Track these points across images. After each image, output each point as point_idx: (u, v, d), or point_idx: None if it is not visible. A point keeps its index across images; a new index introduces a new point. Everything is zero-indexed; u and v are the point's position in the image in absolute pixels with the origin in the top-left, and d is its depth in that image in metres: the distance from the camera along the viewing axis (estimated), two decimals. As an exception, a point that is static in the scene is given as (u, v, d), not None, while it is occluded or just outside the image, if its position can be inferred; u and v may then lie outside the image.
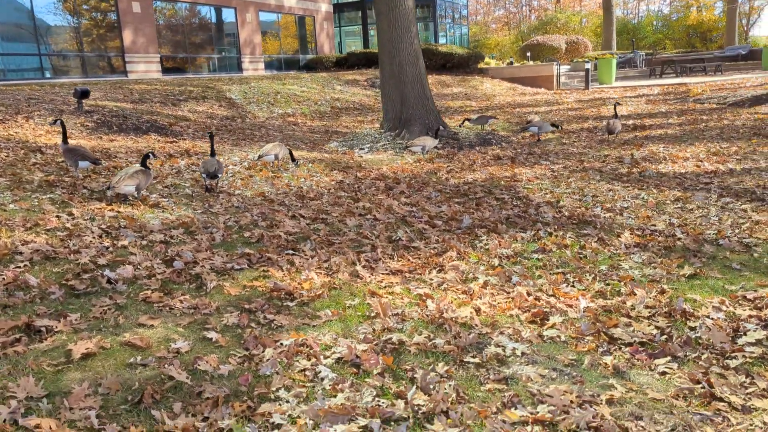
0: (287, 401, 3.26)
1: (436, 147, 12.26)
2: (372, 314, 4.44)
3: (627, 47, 48.64)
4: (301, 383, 3.45)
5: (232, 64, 27.94)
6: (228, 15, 27.65)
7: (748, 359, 3.72)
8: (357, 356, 3.73)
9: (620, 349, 3.95)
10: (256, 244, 5.95)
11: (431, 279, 5.23)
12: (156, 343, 3.83)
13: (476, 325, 4.26)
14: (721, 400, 3.29)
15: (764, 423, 3.09)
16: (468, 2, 48.81)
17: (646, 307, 4.54)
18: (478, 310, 4.53)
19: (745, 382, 3.48)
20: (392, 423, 3.10)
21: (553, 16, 58.23)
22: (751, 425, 3.07)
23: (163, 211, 6.76)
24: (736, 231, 6.46)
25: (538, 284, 5.11)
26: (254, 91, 19.15)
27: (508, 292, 4.93)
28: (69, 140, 7.98)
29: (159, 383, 3.34)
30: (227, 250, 5.68)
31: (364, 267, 5.46)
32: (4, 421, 2.91)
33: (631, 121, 15.92)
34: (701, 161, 10.43)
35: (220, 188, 8.00)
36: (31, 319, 3.91)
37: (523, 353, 3.87)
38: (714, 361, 3.72)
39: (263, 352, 3.78)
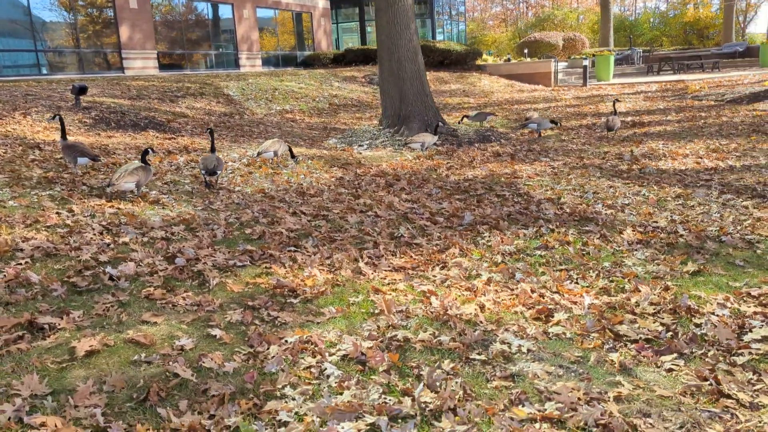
0: (293, 399, 3.24)
1: (435, 144, 12.24)
2: (376, 311, 4.42)
3: (624, 44, 48.64)
4: (306, 380, 3.43)
5: (230, 61, 27.87)
6: (225, 11, 27.57)
7: (754, 356, 3.71)
8: (362, 353, 3.71)
9: (626, 346, 3.94)
10: (258, 241, 5.92)
11: (434, 276, 5.21)
12: (160, 340, 3.80)
13: (481, 322, 4.24)
14: (728, 397, 3.28)
15: (773, 420, 3.08)
16: (465, -1, 48.77)
17: (651, 303, 4.53)
18: (482, 307, 4.51)
19: (752, 378, 3.47)
20: (399, 420, 3.09)
21: (551, 13, 58.23)
22: (759, 422, 3.06)
23: (163, 208, 6.72)
24: (738, 228, 6.46)
25: (541, 281, 5.10)
26: (252, 87, 19.11)
27: (512, 289, 4.91)
28: (67, 137, 7.93)
29: (164, 381, 3.32)
30: (229, 247, 5.65)
31: (366, 264, 5.44)
32: (9, 419, 2.88)
33: (629, 118, 15.91)
34: (701, 158, 10.42)
35: (219, 185, 7.97)
36: (34, 317, 3.88)
37: (528, 350, 3.85)
38: (720, 358, 3.71)
39: (268, 349, 3.76)
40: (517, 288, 4.91)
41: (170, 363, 3.48)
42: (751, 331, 4.02)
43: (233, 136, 12.25)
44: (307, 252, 5.68)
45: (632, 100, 19.88)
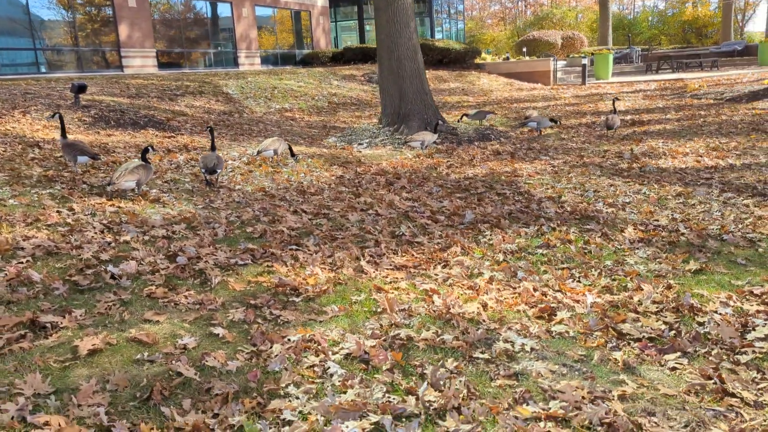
0: (297, 397, 3.23)
1: (435, 142, 12.23)
2: (378, 310, 4.41)
3: (623, 43, 48.62)
4: (310, 379, 3.42)
5: (228, 59, 27.84)
6: (224, 9, 27.54)
7: (758, 354, 3.71)
8: (365, 352, 3.70)
9: (629, 344, 3.94)
10: (259, 240, 5.91)
11: (436, 274, 5.21)
12: (162, 339, 3.79)
13: (484, 321, 4.24)
14: (733, 395, 3.28)
15: (778, 418, 3.08)
16: (464, -3, 48.74)
17: (654, 302, 4.53)
18: (485, 306, 4.50)
19: (756, 377, 3.46)
20: (404, 419, 3.08)
21: (549, 12, 58.23)
22: (764, 420, 3.06)
23: (164, 207, 6.71)
24: (740, 226, 6.45)
25: (543, 279, 5.10)
26: (251, 86, 19.08)
27: (515, 288, 4.91)
28: (67, 135, 7.91)
29: (167, 379, 3.31)
30: (230, 246, 5.64)
31: (368, 262, 5.43)
32: (13, 418, 2.87)
33: (629, 117, 15.92)
34: (701, 156, 10.42)
35: (220, 183, 7.96)
36: (36, 315, 3.87)
37: (532, 349, 3.84)
38: (724, 357, 3.71)
39: (271, 348, 3.75)
40: (519, 286, 4.91)
41: (173, 362, 3.47)
42: (754, 329, 4.02)
43: (233, 135, 12.23)
44: (309, 250, 5.67)
45: (631, 99, 19.88)
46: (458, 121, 15.03)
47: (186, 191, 7.44)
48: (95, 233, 5.56)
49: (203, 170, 7.73)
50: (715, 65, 28.84)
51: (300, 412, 3.10)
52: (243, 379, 3.38)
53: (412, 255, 5.69)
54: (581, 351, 3.85)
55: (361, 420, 3.04)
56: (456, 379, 3.42)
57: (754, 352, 3.73)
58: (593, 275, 5.19)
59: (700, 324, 4.17)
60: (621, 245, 5.99)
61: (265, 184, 8.19)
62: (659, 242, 6.02)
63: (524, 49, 37.50)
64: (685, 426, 3.02)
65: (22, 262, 4.73)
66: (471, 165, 10.37)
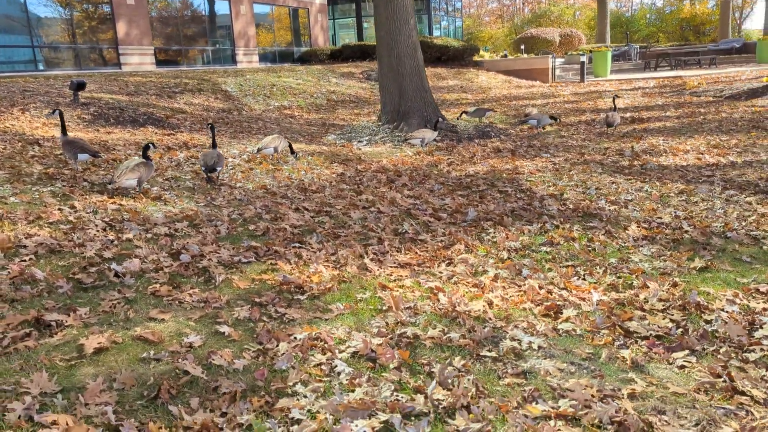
0: (305, 396, 3.21)
1: (435, 139, 12.21)
2: (384, 308, 4.39)
3: (621, 40, 48.62)
4: (317, 378, 3.40)
5: (227, 57, 27.77)
6: (222, 7, 27.46)
7: (766, 352, 3.70)
8: (372, 350, 3.68)
9: (637, 342, 3.92)
10: (262, 237, 5.89)
11: (441, 272, 5.19)
12: (168, 337, 3.77)
13: (490, 319, 4.22)
14: (743, 393, 3.27)
15: (788, 417, 3.07)
16: (462, -5, 48.69)
17: (660, 300, 4.51)
18: (490, 304, 4.49)
19: (765, 375, 3.45)
20: (413, 418, 3.06)
21: (547, 9, 58.16)
22: (775, 419, 3.05)
23: (165, 204, 6.68)
24: (743, 223, 6.45)
25: (548, 277, 5.08)
26: (250, 83, 19.04)
27: (520, 286, 4.89)
28: (67, 132, 7.87)
29: (174, 378, 3.29)
30: (233, 243, 5.62)
31: (372, 260, 5.41)
32: (20, 417, 2.85)
33: (628, 114, 15.91)
34: (702, 154, 10.42)
35: (221, 181, 7.93)
36: (41, 314, 3.85)
37: (539, 347, 3.83)
38: (732, 355, 3.70)
39: (277, 346, 3.73)
40: (524, 284, 4.89)
41: (179, 360, 3.45)
42: (761, 327, 4.01)
43: (232, 132, 12.20)
44: (312, 248, 5.65)
45: (630, 96, 19.88)
46: (458, 119, 15.01)
47: (187, 189, 7.42)
48: (97, 231, 5.53)
49: (203, 168, 7.70)
50: (714, 63, 28.85)
51: (308, 410, 3.08)
52: (250, 378, 3.36)
53: (416, 253, 5.67)
54: (589, 349, 3.84)
55: (370, 419, 3.02)
56: (464, 378, 3.40)
57: (762, 350, 3.72)
58: (598, 273, 5.18)
59: (707, 322, 4.16)
60: (625, 243, 5.98)
61: (267, 182, 8.16)
62: (663, 240, 6.01)
63: (522, 47, 37.45)
64: (696, 424, 3.01)
65: (24, 260, 4.70)
66: (472, 162, 10.35)
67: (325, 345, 3.76)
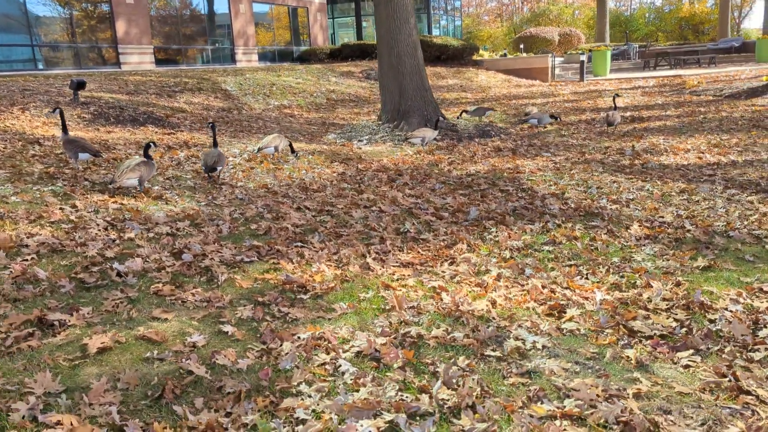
0: (310, 396, 3.20)
1: (435, 139, 12.20)
2: (387, 307, 4.38)
3: (620, 39, 48.64)
4: (321, 377, 3.40)
5: (226, 56, 27.73)
6: (221, 6, 27.42)
7: (771, 352, 3.69)
8: (376, 350, 3.67)
9: (641, 342, 3.92)
10: (264, 237, 5.88)
11: (443, 271, 5.18)
12: (171, 337, 3.76)
13: (494, 318, 4.21)
14: (748, 393, 3.26)
15: (794, 416, 3.06)
16: (461, -6, 48.68)
17: (663, 299, 4.50)
18: (494, 303, 4.48)
19: (770, 374, 3.44)
20: (418, 418, 3.05)
21: (546, 8, 58.16)
22: (781, 419, 3.04)
23: (167, 203, 6.67)
24: (745, 223, 6.45)
25: (551, 276, 5.07)
26: (249, 82, 19.01)
27: (523, 285, 4.88)
28: (68, 131, 7.85)
29: (178, 378, 3.28)
30: (235, 243, 5.61)
31: (374, 259, 5.40)
32: (24, 417, 2.84)
33: (628, 113, 15.91)
34: (703, 153, 10.41)
35: (222, 180, 7.92)
36: (44, 313, 3.83)
37: (543, 346, 3.82)
38: (737, 354, 3.69)
39: (281, 345, 3.72)
40: (527, 284, 4.88)
41: (183, 360, 3.44)
42: (765, 326, 4.00)
43: (232, 131, 12.18)
44: (314, 247, 5.63)
45: (630, 95, 19.87)
46: (458, 118, 14.99)
47: (188, 188, 7.40)
48: (99, 230, 5.52)
49: (204, 167, 7.69)
50: (713, 62, 28.84)
51: (313, 410, 3.07)
52: (254, 378, 3.35)
53: (418, 252, 5.66)
54: (593, 349, 3.83)
55: (375, 419, 3.01)
56: (469, 377, 3.39)
57: (767, 349, 3.71)
58: (601, 272, 5.17)
59: (711, 321, 4.15)
60: (627, 242, 5.97)
61: (267, 181, 8.15)
62: (665, 239, 6.00)
63: (521, 46, 37.47)
64: (702, 424, 3.00)
65: (27, 260, 4.69)
66: (472, 161, 10.34)
67: (329, 345, 3.75)
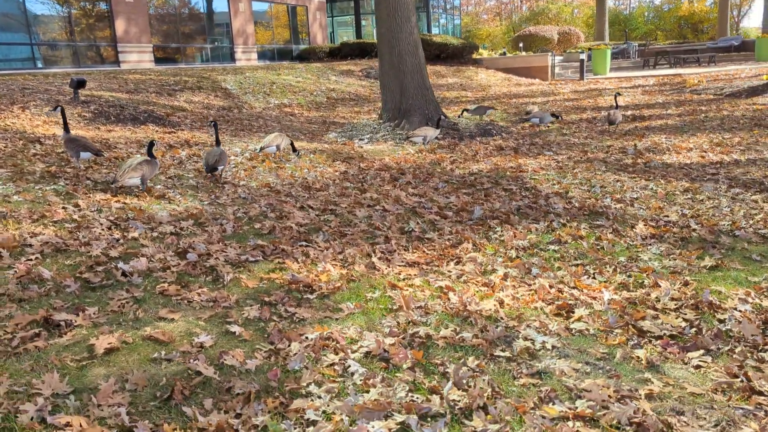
0: (319, 397, 3.17)
1: (437, 137, 12.17)
2: (394, 307, 4.35)
3: (619, 38, 48.64)
4: (331, 378, 3.37)
5: (225, 54, 27.68)
6: (220, 4, 27.37)
7: (782, 352, 3.67)
8: (385, 350, 3.65)
9: (650, 342, 3.89)
10: (268, 236, 5.85)
11: (449, 271, 5.15)
12: (179, 337, 3.73)
13: (502, 318, 4.19)
14: (761, 393, 3.24)
15: (808, 417, 3.04)
16: (460, -8, 48.65)
17: (672, 299, 4.48)
18: (501, 303, 4.45)
19: (782, 375, 3.42)
20: (429, 419, 3.03)
21: (545, 7, 58.10)
22: (795, 419, 3.02)
23: (169, 203, 6.64)
24: (750, 222, 6.43)
25: (558, 276, 5.05)
26: (249, 81, 18.97)
27: (530, 285, 4.86)
28: (70, 130, 7.81)
29: (187, 379, 3.25)
30: (239, 242, 5.58)
31: (379, 259, 5.37)
32: (32, 419, 2.81)
33: (629, 112, 15.89)
34: (705, 152, 10.39)
35: (224, 179, 7.88)
36: (49, 313, 3.80)
37: (553, 347, 3.80)
38: (748, 354, 3.67)
39: (289, 346, 3.69)
40: (534, 283, 4.86)
41: (191, 360, 3.42)
42: (775, 326, 3.98)
43: (233, 130, 12.14)
44: (319, 247, 5.61)
45: (630, 94, 19.85)
46: (459, 117, 14.97)
47: (190, 187, 7.37)
48: (102, 230, 5.49)
49: (205, 167, 7.65)
50: (713, 61, 28.83)
51: (323, 411, 3.05)
52: (263, 379, 3.32)
53: (424, 251, 5.64)
54: (603, 349, 3.81)
55: (386, 420, 2.99)
56: (479, 378, 3.37)
57: (777, 349, 3.69)
58: (608, 272, 5.15)
59: (721, 321, 4.13)
60: (633, 241, 5.95)
61: (270, 180, 8.12)
62: (671, 238, 5.98)
63: (520, 45, 37.44)
64: (716, 425, 2.98)
65: (31, 259, 4.66)
66: (475, 160, 10.32)
67: (337, 345, 3.72)
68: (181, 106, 14.13)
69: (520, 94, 22.16)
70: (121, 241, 5.28)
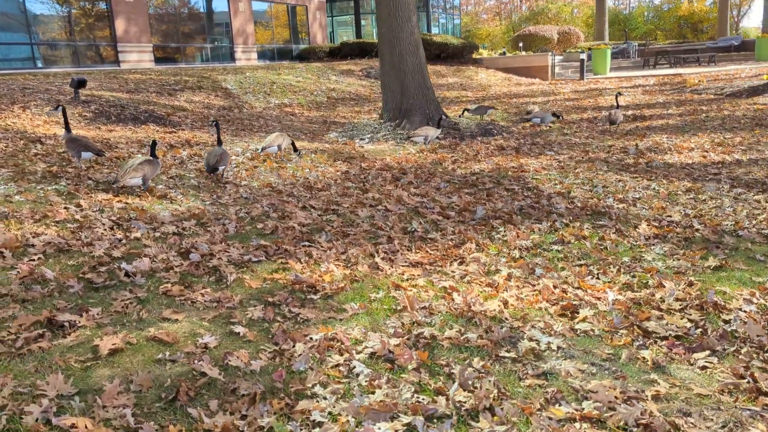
0: (325, 398, 3.16)
1: (437, 137, 12.15)
2: (398, 307, 4.34)
3: (618, 38, 48.64)
4: (336, 379, 3.36)
5: (225, 54, 27.66)
6: (220, 4, 27.34)
7: (788, 353, 3.66)
8: (390, 351, 3.64)
9: (656, 342, 3.89)
10: (271, 236, 5.83)
11: (453, 271, 5.14)
12: (183, 338, 3.72)
13: (506, 319, 4.18)
14: (767, 395, 3.23)
15: (816, 418, 3.03)
16: (460, -8, 48.64)
17: (677, 299, 4.47)
18: (506, 303, 4.44)
19: (789, 376, 3.41)
20: (435, 420, 3.02)
21: (545, 7, 58.07)
22: (802, 421, 3.01)
23: (171, 203, 6.62)
24: (754, 222, 6.42)
25: (562, 276, 5.04)
26: (249, 81, 18.96)
27: (534, 285, 4.85)
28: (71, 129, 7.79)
29: (191, 380, 3.23)
30: (242, 242, 5.56)
31: (383, 259, 5.36)
32: (37, 420, 2.80)
33: (630, 112, 15.88)
34: (707, 152, 10.39)
35: (225, 179, 7.87)
36: (53, 314, 3.79)
37: (558, 347, 3.79)
38: (754, 355, 3.66)
39: (293, 347, 3.68)
40: (538, 284, 4.85)
41: (196, 361, 3.40)
42: (781, 327, 3.97)
43: (234, 130, 12.13)
44: (322, 247, 5.59)
45: (631, 94, 19.84)
46: (459, 116, 14.96)
47: (192, 187, 7.35)
48: (105, 230, 5.47)
49: (206, 167, 7.63)
50: (713, 60, 28.83)
51: (329, 412, 3.04)
52: (268, 379, 3.31)
53: (427, 251, 5.62)
54: (608, 349, 3.80)
55: (392, 421, 2.98)
56: (485, 379, 3.36)
57: (783, 350, 3.68)
58: (612, 272, 5.14)
59: (726, 322, 4.12)
60: (636, 241, 5.94)
61: (271, 180, 8.10)
62: (675, 238, 5.97)
63: (520, 44, 37.43)
64: (723, 426, 2.97)
65: (33, 260, 4.64)
66: (476, 160, 10.30)
67: (342, 346, 3.71)
68: (181, 106, 14.11)
69: (520, 93, 22.15)
70: (124, 241, 5.26)
